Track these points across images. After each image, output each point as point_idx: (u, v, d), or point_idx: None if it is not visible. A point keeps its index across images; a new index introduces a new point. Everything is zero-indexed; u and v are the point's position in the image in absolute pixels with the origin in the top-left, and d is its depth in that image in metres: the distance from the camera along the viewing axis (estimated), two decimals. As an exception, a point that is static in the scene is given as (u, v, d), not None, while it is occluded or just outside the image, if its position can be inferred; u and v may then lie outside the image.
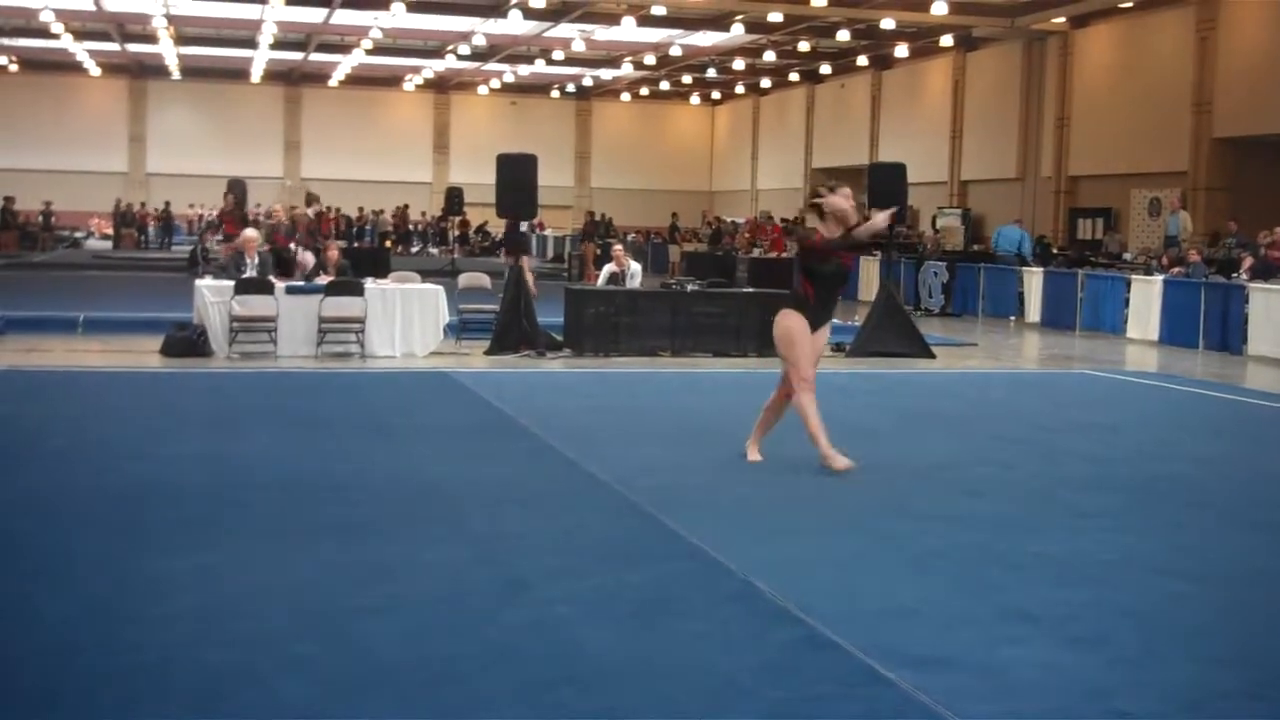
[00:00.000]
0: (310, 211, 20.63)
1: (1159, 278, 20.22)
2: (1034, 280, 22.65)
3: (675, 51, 39.71)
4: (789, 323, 8.24)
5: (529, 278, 15.78)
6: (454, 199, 33.61)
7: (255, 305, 14.30)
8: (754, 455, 8.57)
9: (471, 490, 7.51)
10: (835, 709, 4.28)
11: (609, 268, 16.72)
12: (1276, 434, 11.18)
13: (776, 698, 4.34)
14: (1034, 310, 22.27)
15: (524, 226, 25.00)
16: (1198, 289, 19.01)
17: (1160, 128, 30.67)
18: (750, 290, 17.74)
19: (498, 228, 29.52)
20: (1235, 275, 19.83)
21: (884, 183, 17.19)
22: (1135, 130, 31.62)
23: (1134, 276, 20.94)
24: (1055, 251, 27.86)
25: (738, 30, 35.82)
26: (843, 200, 8.14)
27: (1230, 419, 11.91)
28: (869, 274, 25.95)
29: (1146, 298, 19.76)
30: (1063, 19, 33.50)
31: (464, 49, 39.65)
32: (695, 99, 53.21)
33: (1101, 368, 15.58)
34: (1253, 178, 29.34)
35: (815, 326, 8.25)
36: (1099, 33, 33.73)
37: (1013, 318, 22.61)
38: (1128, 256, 26.31)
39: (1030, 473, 8.49)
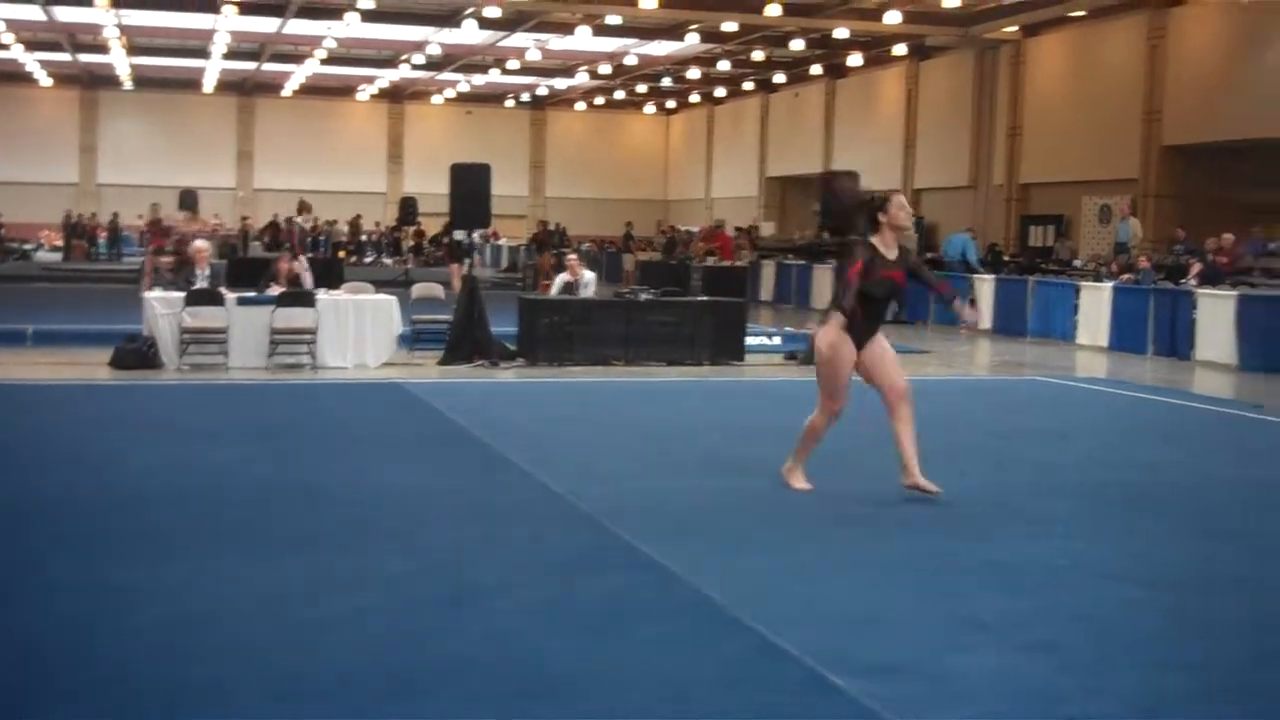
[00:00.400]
0: (302, 220, 20.45)
1: (1108, 284, 20.40)
2: (985, 288, 22.80)
3: (630, 61, 39.75)
4: (832, 340, 7.63)
5: (455, 284, 15.72)
6: (408, 209, 33.50)
7: (206, 317, 14.19)
8: (799, 483, 7.93)
9: (425, 501, 7.48)
10: (786, 717, 4.29)
11: (563, 277, 16.72)
12: (1224, 439, 11.29)
13: (728, 708, 4.34)
14: (985, 318, 22.41)
15: (461, 235, 25.02)
16: (1147, 295, 19.19)
17: (1111, 135, 30.95)
18: (704, 299, 17.76)
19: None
20: (1183, 281, 20.04)
21: (834, 191, 17.23)
22: (1086, 138, 31.89)
23: (1083, 283, 21.12)
24: (1007, 259, 28.05)
25: (692, 40, 35.93)
26: (902, 214, 7.65)
27: (1178, 424, 12.03)
28: (823, 283, 26.07)
29: (1096, 304, 19.93)
30: (1015, 28, 33.77)
31: (418, 58, 39.56)
32: (650, 108, 53.30)
33: (1052, 374, 15.70)
34: (1201, 185, 29.64)
35: (861, 344, 7.65)
36: (1051, 42, 34.00)
37: (964, 325, 22.72)
38: (1078, 263, 26.53)
39: (982, 480, 8.54)
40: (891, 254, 7.63)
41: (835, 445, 9.75)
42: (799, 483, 7.84)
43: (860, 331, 7.63)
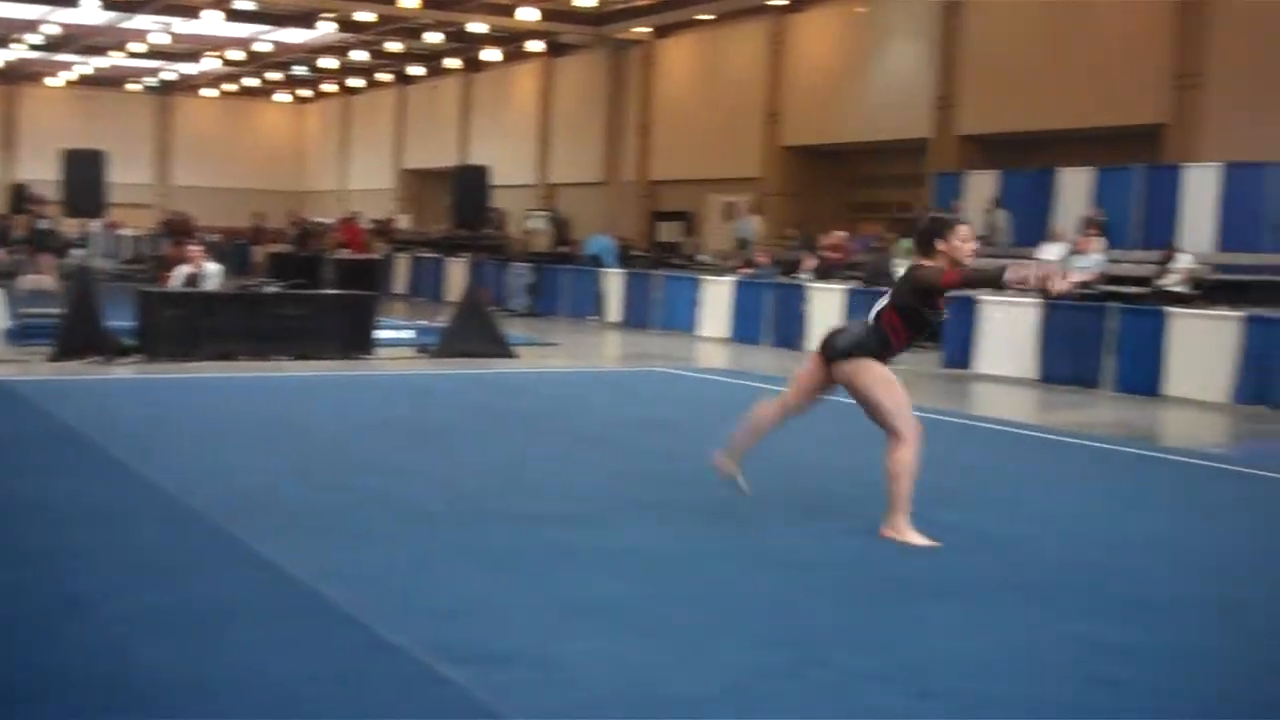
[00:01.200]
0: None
1: (729, 278, 21.25)
2: (614, 282, 23.35)
3: (263, 47, 38.71)
4: (879, 371, 6.83)
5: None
6: (19, 197, 31.63)
7: None
8: (731, 469, 7.36)
9: (29, 506, 7.10)
10: (394, 711, 4.30)
11: (185, 269, 16.17)
12: (828, 425, 11.87)
13: (339, 707, 4.31)
14: (615, 310, 22.97)
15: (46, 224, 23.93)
16: (763, 289, 20.10)
17: (735, 135, 32.16)
18: (334, 292, 17.53)
19: (71, 227, 27.99)
20: (796, 276, 21.09)
21: (468, 186, 17.35)
22: (712, 137, 33.03)
23: (706, 277, 21.91)
24: (637, 254, 28.79)
25: (327, 28, 35.28)
26: (966, 246, 6.81)
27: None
28: (454, 275, 26.13)
29: (718, 297, 20.73)
30: (647, 29, 34.64)
31: (33, 38, 37.36)
32: (285, 97, 52.05)
33: (675, 365, 16.24)
34: (816, 184, 31.19)
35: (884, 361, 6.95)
36: (680, 43, 35.03)
37: (594, 318, 23.23)
38: (704, 258, 27.48)
39: (599, 468, 8.75)
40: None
41: (461, 440, 9.82)
42: (915, 538, 6.76)
43: (893, 358, 6.94)
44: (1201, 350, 14.22)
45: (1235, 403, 13.77)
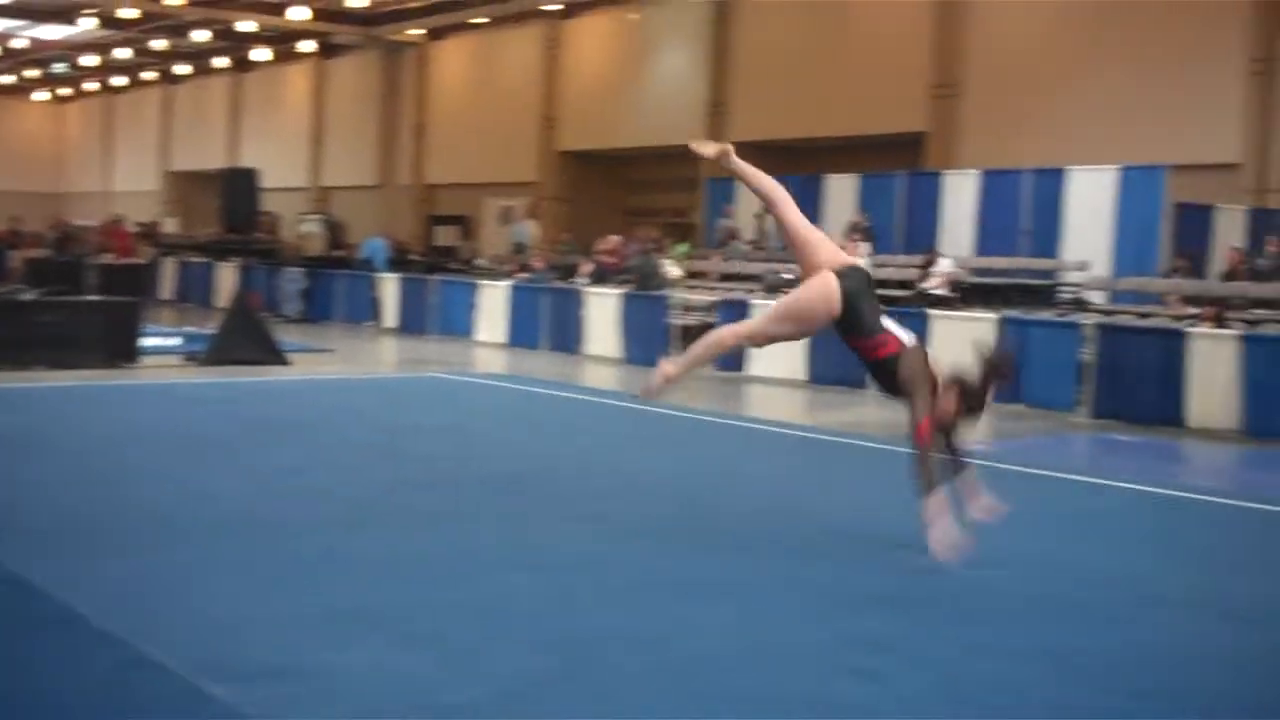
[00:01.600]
0: None
1: (506, 283, 21.23)
2: (390, 287, 23.10)
3: (19, 44, 37.13)
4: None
5: None
6: None
7: None
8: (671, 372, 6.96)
9: None
10: (154, 731, 4.19)
11: (-67, 275, 15.42)
12: (613, 425, 12.00)
13: (92, 725, 4.18)
14: (391, 316, 22.72)
15: None
16: (540, 294, 20.14)
17: (511, 140, 32.16)
18: (95, 298, 16.92)
19: None
20: (574, 280, 21.19)
21: (238, 188, 16.97)
22: (489, 141, 32.97)
23: (482, 282, 21.84)
24: (413, 258, 28.54)
25: (88, 24, 34.05)
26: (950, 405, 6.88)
27: (568, 414, 12.67)
28: (224, 280, 25.51)
29: (495, 302, 20.69)
30: (420, 30, 34.38)
31: None
32: (43, 95, 50.02)
33: (452, 371, 16.14)
34: (592, 189, 31.39)
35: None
36: (454, 46, 34.86)
37: (370, 324, 22.95)
38: (481, 263, 27.40)
39: (374, 476, 8.63)
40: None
41: (235, 450, 9.58)
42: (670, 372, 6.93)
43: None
44: (960, 351, 14.74)
45: (994, 402, 14.31)
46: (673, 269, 20.73)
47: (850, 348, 6.94)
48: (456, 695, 4.49)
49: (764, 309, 7.20)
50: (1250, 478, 11.15)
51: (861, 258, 18.70)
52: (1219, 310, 15.75)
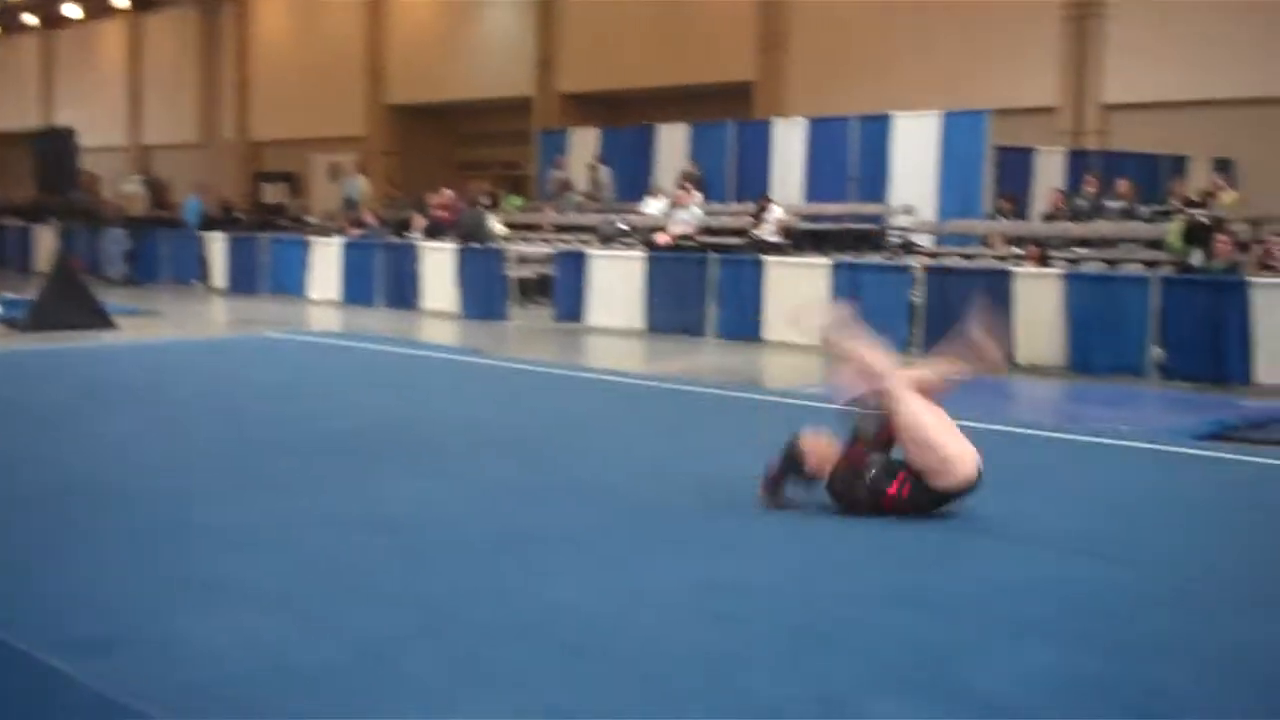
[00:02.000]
0: None
1: (338, 240, 20.93)
2: (219, 246, 22.60)
3: None
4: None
5: None
6: None
7: None
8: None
9: None
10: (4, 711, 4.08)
11: None
12: (454, 380, 11.91)
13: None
14: (221, 276, 22.25)
15: None
16: (374, 250, 19.91)
17: (338, 94, 31.64)
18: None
19: None
20: (407, 235, 20.99)
21: (53, 149, 16.42)
22: (314, 97, 32.39)
23: (314, 239, 21.51)
24: (239, 216, 27.92)
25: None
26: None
27: (408, 371, 12.57)
28: (42, 243, 24.70)
29: (327, 260, 20.38)
30: (238, -17, 33.58)
31: None
32: None
33: (286, 330, 15.88)
34: (422, 142, 31.06)
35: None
36: (278, 1, 34.12)
37: (199, 284, 22.44)
38: (311, 220, 26.97)
39: (211, 440, 8.46)
40: None
41: (68, 419, 9.33)
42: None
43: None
44: (795, 296, 15.01)
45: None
46: (498, 224, 20.63)
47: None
48: (316, 656, 4.45)
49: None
50: (1073, 410, 11.57)
51: (694, 206, 18.90)
52: (1042, 250, 16.24)
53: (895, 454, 6.48)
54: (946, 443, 6.31)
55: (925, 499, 6.36)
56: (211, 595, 5.11)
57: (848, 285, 14.66)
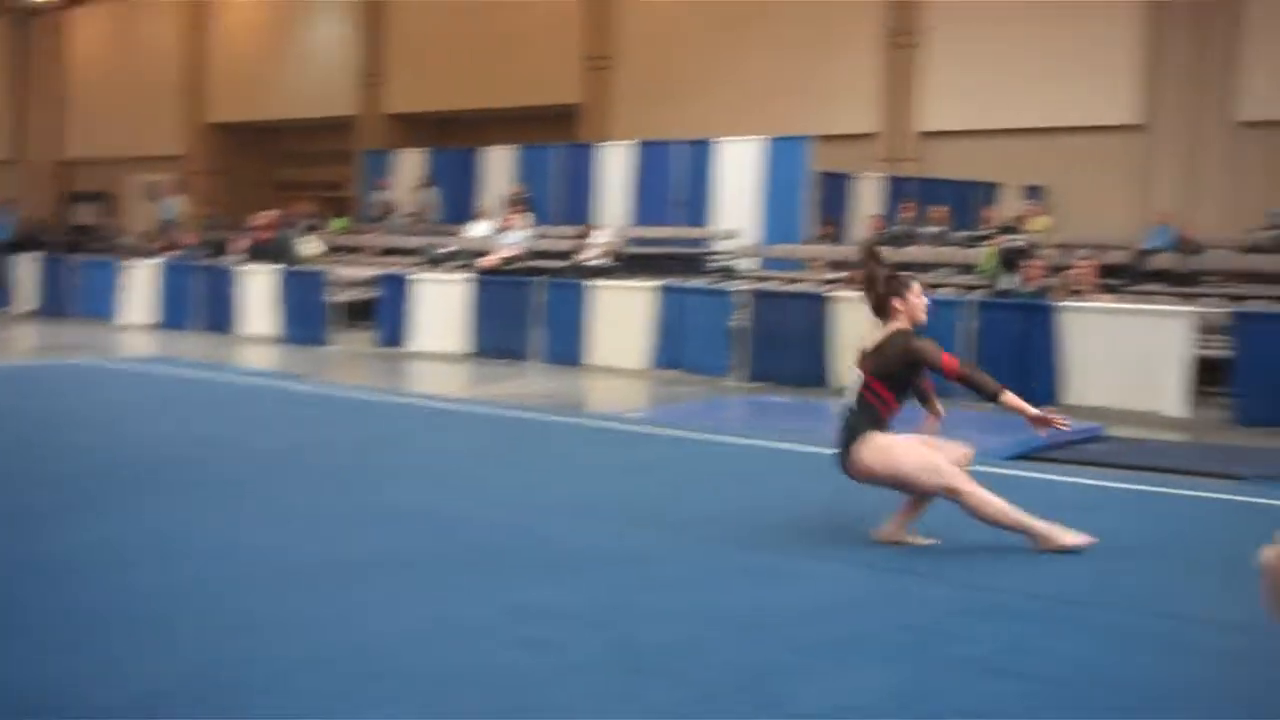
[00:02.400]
0: None
1: (154, 261, 20.41)
2: (26, 268, 21.86)
3: None
4: (880, 443, 6.43)
5: None
6: None
7: None
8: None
9: None
10: None
11: None
12: (269, 407, 11.69)
13: None
14: (28, 299, 21.53)
15: None
16: (191, 272, 19.46)
17: (156, 113, 30.94)
18: None
19: None
20: (226, 257, 20.57)
21: None
22: (132, 115, 31.63)
23: (129, 261, 20.93)
24: (48, 239, 27.02)
25: None
26: (920, 301, 6.58)
27: (223, 398, 12.28)
28: None
29: (142, 282, 19.86)
30: (53, -3, 32.68)
31: None
32: None
33: (97, 356, 15.42)
34: (244, 162, 30.51)
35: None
36: (92, 14, 33.28)
37: (3, 309, 21.69)
38: (126, 241, 26.28)
39: (16, 472, 8.17)
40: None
41: None
42: (1070, 538, 6.52)
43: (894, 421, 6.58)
44: (620, 320, 15.07)
45: (653, 368, 14.70)
46: (309, 246, 20.31)
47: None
48: (142, 684, 4.30)
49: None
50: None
51: (521, 229, 18.87)
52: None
53: None
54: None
55: None
56: (11, 634, 4.92)
57: (673, 309, 14.77)
